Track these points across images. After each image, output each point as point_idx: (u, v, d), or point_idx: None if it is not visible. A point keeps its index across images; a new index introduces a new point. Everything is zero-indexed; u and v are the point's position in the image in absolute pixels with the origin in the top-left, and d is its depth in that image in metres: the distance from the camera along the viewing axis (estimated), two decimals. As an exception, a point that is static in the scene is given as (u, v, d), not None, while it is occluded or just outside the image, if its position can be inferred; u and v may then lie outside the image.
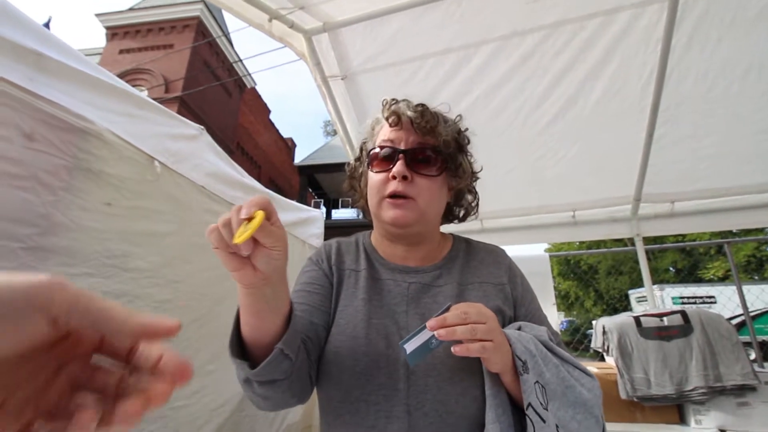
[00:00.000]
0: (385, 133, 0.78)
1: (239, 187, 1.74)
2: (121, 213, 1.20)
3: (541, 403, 0.60)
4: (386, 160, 0.76)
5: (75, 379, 0.27)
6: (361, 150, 0.86)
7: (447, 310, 0.62)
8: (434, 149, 0.76)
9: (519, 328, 0.70)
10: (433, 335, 0.60)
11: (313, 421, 2.31)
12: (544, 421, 0.59)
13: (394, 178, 0.73)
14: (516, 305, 0.77)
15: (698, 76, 1.85)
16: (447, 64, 1.86)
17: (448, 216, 0.88)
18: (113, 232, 1.17)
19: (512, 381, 0.62)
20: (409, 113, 0.75)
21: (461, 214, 0.89)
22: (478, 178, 0.87)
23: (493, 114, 2.07)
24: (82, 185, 1.07)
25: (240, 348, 0.60)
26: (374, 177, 0.77)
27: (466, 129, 0.84)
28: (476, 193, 0.88)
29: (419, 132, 0.75)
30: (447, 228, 0.92)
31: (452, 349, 0.58)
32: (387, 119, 0.78)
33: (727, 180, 2.32)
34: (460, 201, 0.87)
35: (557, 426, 0.59)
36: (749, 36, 1.66)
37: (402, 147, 0.75)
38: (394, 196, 0.73)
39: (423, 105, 0.78)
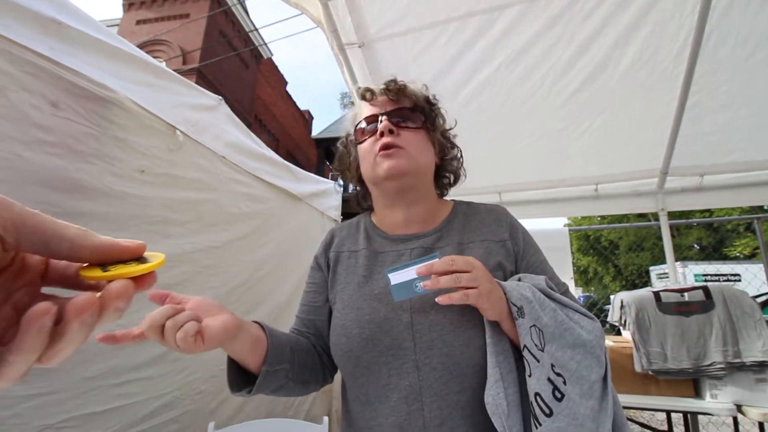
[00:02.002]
0: (364, 111, 0.85)
1: (259, 159, 1.76)
2: (154, 180, 1.22)
3: (536, 345, 0.62)
4: (371, 129, 0.82)
5: (24, 309, 0.24)
6: (347, 139, 0.92)
7: (432, 258, 0.64)
8: (411, 108, 0.82)
9: (519, 280, 0.72)
10: (420, 280, 0.63)
11: (333, 384, 2.41)
12: (538, 361, 0.61)
13: (381, 135, 0.78)
14: (518, 259, 0.78)
15: (738, 41, 1.72)
16: (469, 29, 1.79)
17: (441, 181, 0.91)
18: (150, 199, 1.20)
19: (511, 328, 0.64)
20: (380, 86, 0.84)
21: (452, 179, 0.92)
22: (455, 135, 0.92)
23: (516, 82, 2.00)
24: (111, 152, 1.09)
25: (242, 377, 0.71)
26: (363, 146, 0.83)
27: (434, 95, 0.90)
28: (459, 155, 0.92)
29: (393, 98, 0.82)
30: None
31: (436, 299, 0.62)
32: (363, 97, 0.86)
33: (764, 153, 2.20)
34: (447, 164, 0.89)
35: (552, 365, 0.62)
36: (800, -6, 1.53)
37: (383, 111, 0.82)
38: (385, 148, 0.78)
39: (392, 79, 0.85)
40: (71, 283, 0.28)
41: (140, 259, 0.29)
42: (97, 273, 0.27)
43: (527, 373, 0.61)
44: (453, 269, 0.62)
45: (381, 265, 0.79)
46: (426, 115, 0.84)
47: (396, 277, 0.65)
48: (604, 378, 0.66)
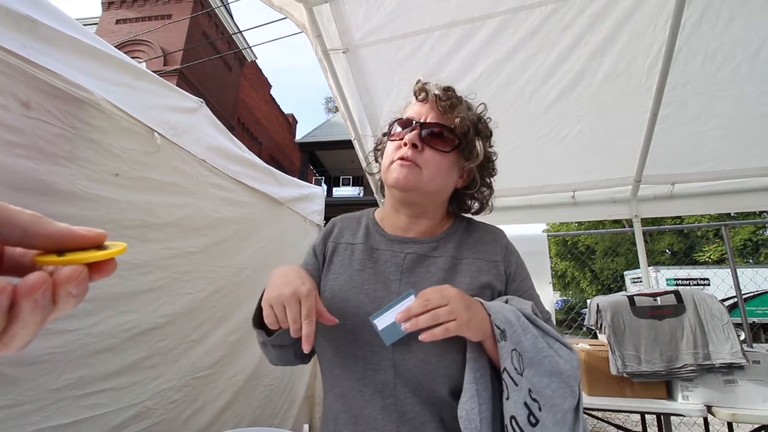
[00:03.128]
0: (411, 108, 0.84)
1: (240, 163, 1.74)
2: (130, 184, 1.19)
3: (516, 368, 0.64)
4: (404, 130, 0.80)
5: None
6: (390, 127, 0.89)
7: (408, 297, 0.67)
8: (450, 129, 0.79)
9: (506, 301, 0.73)
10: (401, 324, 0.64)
11: (315, 391, 2.39)
12: (516, 385, 0.63)
13: (405, 144, 0.77)
14: (508, 281, 0.80)
15: (707, 56, 1.80)
16: (452, 38, 1.81)
17: (461, 206, 0.90)
18: (126, 202, 1.17)
19: (493, 348, 0.66)
20: (436, 91, 0.81)
21: (474, 207, 0.90)
22: (495, 169, 0.89)
23: (497, 91, 2.04)
24: (86, 155, 1.06)
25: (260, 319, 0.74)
26: (390, 145, 0.83)
27: (489, 119, 0.87)
28: (492, 187, 0.90)
29: (440, 109, 0.79)
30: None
31: (419, 337, 0.62)
32: (416, 95, 0.84)
33: (731, 163, 2.30)
34: (473, 190, 0.87)
35: (530, 390, 0.63)
36: (763, 15, 1.61)
37: (421, 120, 0.79)
38: (402, 159, 0.77)
39: (450, 87, 0.82)
40: (28, 272, 0.26)
41: (101, 247, 0.28)
42: (52, 258, 0.25)
43: (504, 395, 0.63)
44: (429, 308, 0.63)
45: (375, 261, 0.81)
46: (464, 142, 0.80)
47: (381, 322, 0.67)
48: (576, 408, 0.68)
